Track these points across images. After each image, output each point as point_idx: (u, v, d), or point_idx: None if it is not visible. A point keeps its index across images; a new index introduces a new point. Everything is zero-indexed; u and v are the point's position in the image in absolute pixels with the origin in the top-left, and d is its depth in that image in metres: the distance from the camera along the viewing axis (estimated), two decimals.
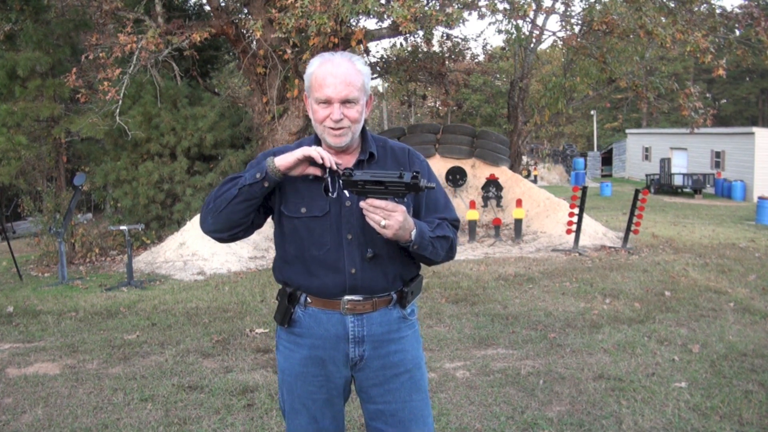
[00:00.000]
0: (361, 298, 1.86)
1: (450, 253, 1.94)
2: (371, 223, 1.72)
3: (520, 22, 11.89)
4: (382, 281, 1.87)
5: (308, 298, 1.88)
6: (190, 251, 8.70)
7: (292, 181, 1.85)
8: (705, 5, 12.43)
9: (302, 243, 1.85)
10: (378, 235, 1.75)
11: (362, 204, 1.73)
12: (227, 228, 1.82)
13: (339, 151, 1.86)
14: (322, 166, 1.77)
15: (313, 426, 1.92)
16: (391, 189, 1.72)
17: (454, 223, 1.97)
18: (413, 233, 1.77)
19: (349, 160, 1.89)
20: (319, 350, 1.88)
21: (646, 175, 25.41)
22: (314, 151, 1.75)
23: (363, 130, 1.90)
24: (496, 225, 10.63)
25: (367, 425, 1.98)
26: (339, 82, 1.77)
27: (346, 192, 1.81)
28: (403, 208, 1.73)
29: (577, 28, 13.32)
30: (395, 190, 1.72)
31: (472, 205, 10.66)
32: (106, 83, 10.03)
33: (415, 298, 1.97)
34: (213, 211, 1.80)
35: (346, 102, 1.79)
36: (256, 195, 1.77)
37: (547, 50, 26.26)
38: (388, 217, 1.70)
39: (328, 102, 1.78)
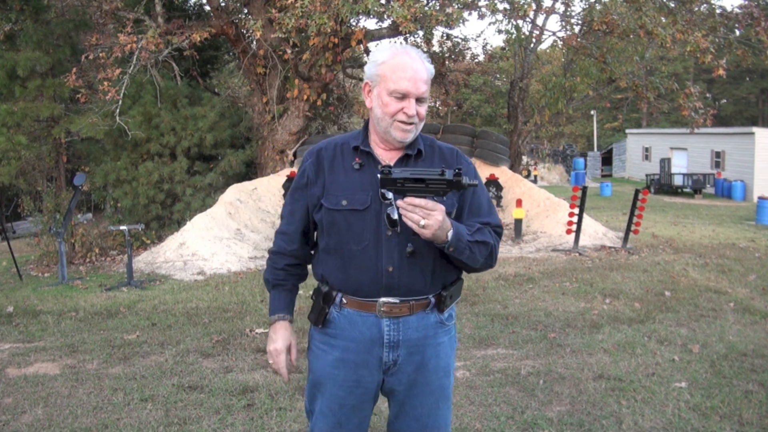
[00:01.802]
0: (397, 301, 1.80)
1: (489, 260, 1.86)
2: (409, 223, 1.65)
3: (520, 22, 11.92)
4: (420, 282, 1.81)
5: (344, 299, 1.83)
6: (190, 251, 8.69)
7: (332, 173, 1.83)
8: (705, 5, 12.44)
9: (341, 237, 1.80)
10: (417, 234, 1.69)
11: (400, 203, 1.66)
12: None
13: (393, 147, 1.83)
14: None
15: (338, 431, 1.87)
16: (432, 187, 1.65)
17: (497, 229, 1.89)
18: (450, 234, 1.70)
19: (395, 155, 1.85)
20: (352, 353, 1.84)
21: (646, 175, 25.41)
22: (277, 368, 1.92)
23: None
24: None
25: (389, 423, 1.97)
26: (419, 77, 1.75)
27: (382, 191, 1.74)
28: (442, 207, 1.66)
29: (577, 28, 13.33)
30: (436, 188, 1.66)
31: None
32: (106, 83, 10.04)
33: (454, 302, 1.92)
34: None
35: (419, 99, 1.77)
36: None
37: (547, 50, 26.26)
38: (427, 216, 1.63)
39: (405, 96, 1.74)
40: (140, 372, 4.23)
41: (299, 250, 1.95)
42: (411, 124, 1.77)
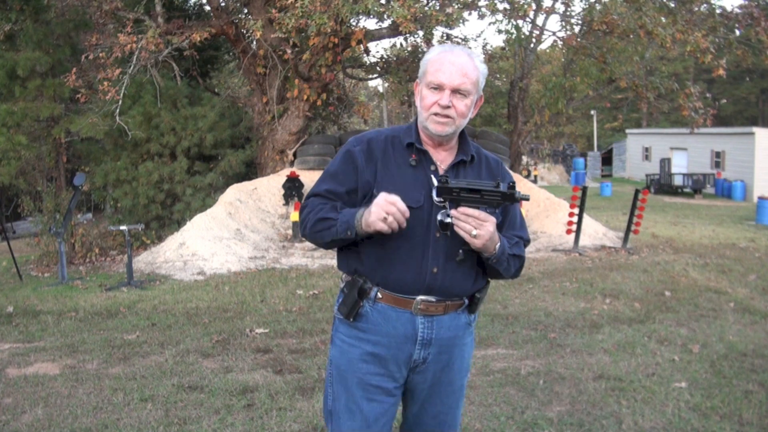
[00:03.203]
0: (434, 300, 1.81)
1: (518, 273, 1.91)
2: (461, 232, 1.69)
3: (520, 22, 11.92)
4: (460, 286, 1.83)
5: (379, 293, 1.81)
6: (190, 251, 8.69)
7: (385, 166, 1.81)
8: (705, 5, 12.44)
9: (390, 233, 1.75)
10: (464, 241, 1.72)
11: (453, 212, 1.70)
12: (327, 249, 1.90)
13: (437, 143, 1.83)
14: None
15: (365, 430, 1.84)
16: (487, 198, 1.70)
17: (526, 243, 1.96)
18: (497, 246, 1.75)
19: (444, 157, 1.85)
20: (383, 348, 1.83)
21: (646, 175, 25.41)
22: (387, 226, 1.65)
23: (462, 132, 1.87)
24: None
25: (405, 419, 1.99)
26: (455, 70, 1.74)
27: (434, 197, 1.76)
28: (494, 219, 1.71)
29: (577, 28, 13.33)
30: (490, 200, 1.71)
31: None
32: (106, 83, 10.04)
33: (482, 304, 1.96)
34: (312, 240, 1.85)
35: (457, 92, 1.75)
36: (348, 242, 1.78)
37: (547, 50, 26.24)
38: (479, 226, 1.68)
39: (439, 87, 1.75)
40: (140, 372, 4.23)
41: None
42: (446, 117, 1.75)
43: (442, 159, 1.85)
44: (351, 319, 1.84)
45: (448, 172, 1.83)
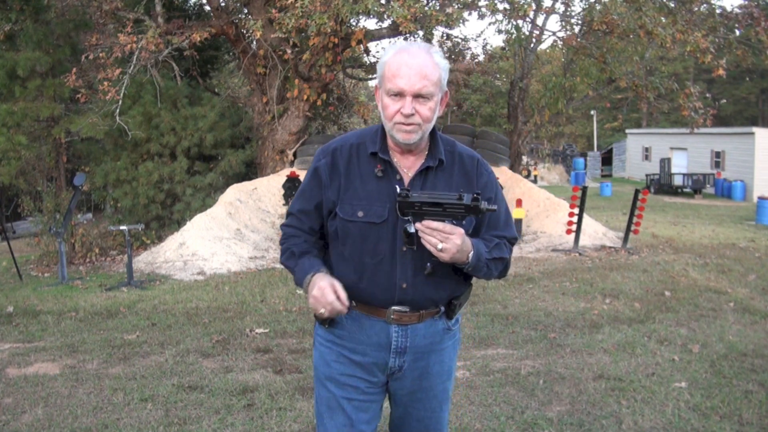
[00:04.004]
0: (408, 310, 1.77)
1: (503, 273, 1.85)
2: (427, 246, 1.63)
3: (520, 22, 11.92)
4: (433, 297, 1.79)
5: (353, 301, 1.77)
6: (190, 251, 8.69)
7: (348, 179, 1.76)
8: (705, 5, 12.44)
9: (355, 247, 1.75)
10: (432, 255, 1.66)
11: (418, 226, 1.63)
12: None
13: (405, 150, 1.75)
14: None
15: (349, 429, 1.82)
16: (450, 211, 1.62)
17: (512, 241, 1.87)
18: (470, 255, 1.67)
19: (413, 162, 1.77)
20: (358, 355, 1.81)
21: (646, 175, 25.41)
22: (326, 310, 1.67)
23: (432, 131, 1.77)
24: None
25: (391, 422, 1.98)
26: (414, 73, 1.64)
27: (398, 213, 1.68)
28: (461, 230, 1.63)
29: (577, 28, 13.34)
30: (454, 213, 1.62)
31: None
32: (106, 83, 10.04)
33: (462, 308, 1.90)
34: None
35: (419, 96, 1.66)
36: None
37: (547, 50, 26.23)
38: (445, 240, 1.61)
39: (400, 94, 1.66)
40: (140, 372, 4.23)
41: (315, 230, 1.84)
42: (411, 124, 1.67)
43: (410, 165, 1.77)
44: (326, 325, 1.83)
45: (415, 180, 1.74)
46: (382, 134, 1.77)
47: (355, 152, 1.78)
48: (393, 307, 1.76)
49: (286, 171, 11.43)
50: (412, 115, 1.66)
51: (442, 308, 1.83)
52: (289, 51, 10.75)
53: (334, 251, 1.82)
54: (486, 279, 1.82)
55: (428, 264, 1.72)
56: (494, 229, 1.83)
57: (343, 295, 1.68)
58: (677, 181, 23.40)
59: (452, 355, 1.92)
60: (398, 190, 1.68)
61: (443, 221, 1.62)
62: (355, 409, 1.83)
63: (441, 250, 1.61)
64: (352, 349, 1.82)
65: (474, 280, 1.90)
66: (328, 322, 1.81)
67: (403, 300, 1.76)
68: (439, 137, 1.79)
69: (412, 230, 1.66)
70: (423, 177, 1.76)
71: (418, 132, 1.69)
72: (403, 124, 1.67)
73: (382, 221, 1.71)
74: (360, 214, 1.72)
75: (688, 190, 22.90)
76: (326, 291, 1.66)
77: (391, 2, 9.73)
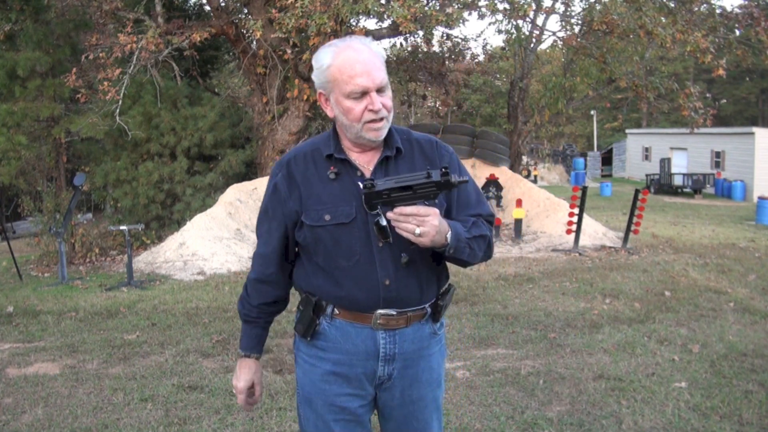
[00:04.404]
0: (395, 313, 1.69)
1: (488, 252, 1.76)
2: (404, 233, 1.54)
3: (520, 22, 11.93)
4: (417, 292, 1.71)
5: (336, 309, 1.71)
6: (190, 251, 8.70)
7: (308, 185, 1.69)
8: (705, 5, 12.44)
9: (329, 254, 1.68)
10: (411, 242, 1.57)
11: (390, 215, 1.54)
12: None
13: (365, 148, 1.70)
14: None
15: None
16: (421, 192, 1.54)
17: (489, 218, 1.78)
18: (449, 236, 1.58)
19: (371, 157, 1.71)
20: (344, 366, 1.72)
21: (646, 175, 25.41)
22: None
23: None
24: (497, 225, 10.63)
25: None
26: (370, 68, 1.59)
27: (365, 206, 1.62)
28: (436, 210, 1.55)
29: (577, 28, 13.33)
30: (425, 193, 1.54)
31: None
32: (106, 83, 10.04)
33: (447, 309, 1.82)
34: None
35: (380, 90, 1.62)
36: None
37: (547, 50, 26.24)
38: (422, 223, 1.52)
39: (364, 93, 1.60)
40: (140, 372, 4.23)
41: (278, 274, 1.81)
42: (381, 119, 1.63)
43: (369, 160, 1.71)
44: (309, 338, 1.74)
45: (376, 172, 1.68)
46: (335, 136, 1.73)
47: (310, 159, 1.73)
48: (379, 311, 1.68)
49: None
50: (381, 109, 1.62)
51: (428, 309, 1.76)
52: (289, 51, 10.75)
53: (308, 264, 1.75)
54: (471, 261, 1.72)
55: (403, 254, 1.65)
56: (467, 208, 1.75)
57: (258, 392, 1.86)
58: (677, 181, 23.41)
59: (440, 361, 1.85)
60: (361, 185, 1.60)
61: (416, 204, 1.54)
62: (344, 430, 1.75)
63: (420, 235, 1.53)
64: (337, 362, 1.73)
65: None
66: (310, 334, 1.73)
67: (389, 298, 1.68)
68: (392, 128, 1.73)
69: (384, 222, 1.58)
70: (384, 168, 1.70)
71: (387, 126, 1.66)
72: (375, 120, 1.62)
73: (351, 220, 1.65)
74: (327, 217, 1.66)
75: (688, 190, 22.90)
76: (239, 398, 1.85)
77: (391, 2, 9.73)
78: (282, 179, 1.73)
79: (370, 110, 1.61)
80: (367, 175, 1.68)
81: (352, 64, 1.59)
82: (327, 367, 1.73)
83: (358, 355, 1.72)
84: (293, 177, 1.71)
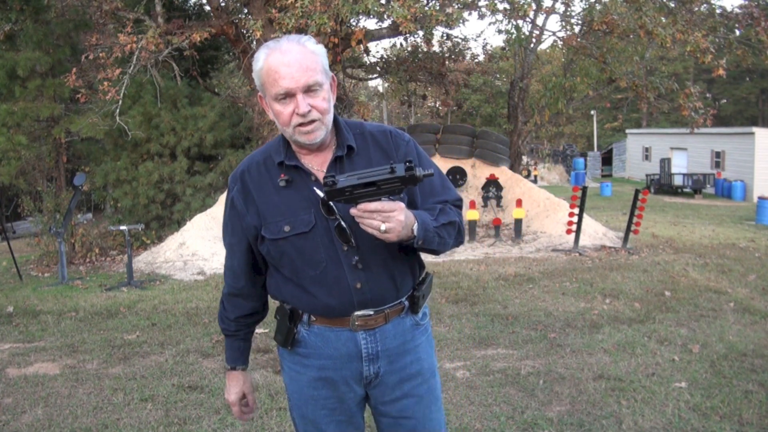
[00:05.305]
0: (372, 312, 1.65)
1: (459, 238, 1.72)
2: (369, 230, 1.48)
3: (520, 22, 11.91)
4: (392, 289, 1.67)
5: (312, 316, 1.68)
6: (190, 251, 8.70)
7: (263, 196, 1.64)
8: (705, 5, 12.43)
9: (294, 265, 1.63)
10: (376, 239, 1.51)
11: (354, 212, 1.48)
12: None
13: (313, 149, 1.63)
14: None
15: None
16: (385, 188, 1.47)
17: (456, 203, 1.73)
18: (415, 228, 1.53)
19: (325, 158, 1.65)
20: (329, 371, 1.69)
21: (646, 175, 25.41)
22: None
23: (335, 120, 1.65)
24: (496, 225, 10.63)
25: None
26: (295, 69, 1.52)
27: (330, 204, 1.56)
28: (401, 204, 1.50)
29: (577, 28, 13.33)
30: (390, 188, 1.47)
31: (472, 205, 10.66)
32: (106, 83, 10.04)
33: (426, 300, 1.79)
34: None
35: (308, 90, 1.54)
36: None
37: (547, 50, 26.25)
38: (387, 219, 1.46)
39: (288, 95, 1.53)
40: (140, 372, 4.23)
41: (249, 287, 1.78)
42: (311, 122, 1.55)
43: (322, 161, 1.64)
44: (289, 347, 1.72)
45: (330, 172, 1.61)
46: (285, 141, 1.66)
47: (263, 169, 1.67)
48: (356, 313, 1.64)
49: None
50: (309, 111, 1.54)
51: (406, 303, 1.72)
52: None
53: (275, 275, 1.72)
54: (442, 250, 1.67)
55: (354, 257, 1.60)
56: (432, 195, 1.70)
57: (251, 401, 1.89)
58: (677, 181, 23.40)
59: (429, 351, 1.80)
60: (320, 187, 1.54)
61: (379, 200, 1.48)
62: (337, 430, 1.75)
63: (385, 231, 1.47)
64: (321, 367, 1.70)
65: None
66: (290, 343, 1.70)
67: (363, 300, 1.64)
68: (343, 124, 1.67)
69: (344, 225, 1.55)
70: (338, 169, 1.63)
71: (321, 128, 1.58)
72: (304, 124, 1.55)
73: (311, 228, 1.60)
74: (287, 228, 1.60)
75: (688, 190, 22.90)
76: (234, 410, 1.89)
77: (391, 2, 9.73)
78: (237, 193, 1.68)
79: (297, 114, 1.54)
80: (322, 177, 1.61)
81: (277, 67, 1.53)
82: (312, 373, 1.71)
83: (341, 359, 1.69)
84: (248, 190, 1.67)
